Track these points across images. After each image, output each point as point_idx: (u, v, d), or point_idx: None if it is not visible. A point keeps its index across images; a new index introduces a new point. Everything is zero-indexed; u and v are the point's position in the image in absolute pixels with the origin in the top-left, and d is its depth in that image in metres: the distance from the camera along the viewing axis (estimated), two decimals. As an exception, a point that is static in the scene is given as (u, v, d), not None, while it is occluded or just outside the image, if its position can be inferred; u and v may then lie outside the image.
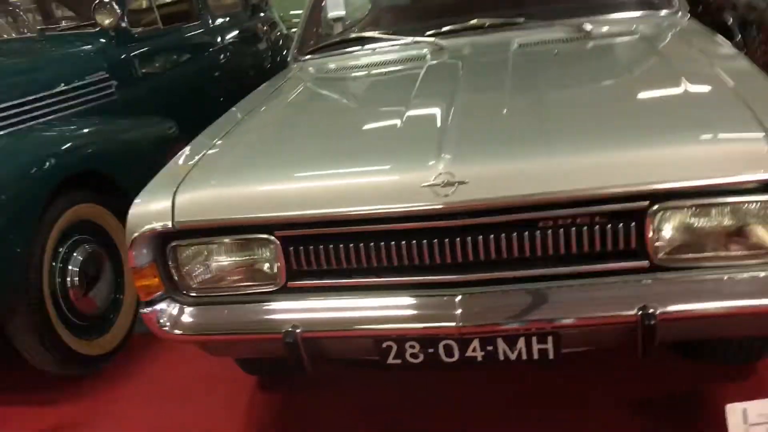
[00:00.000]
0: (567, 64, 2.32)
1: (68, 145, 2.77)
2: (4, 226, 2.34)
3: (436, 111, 1.93)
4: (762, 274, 1.57)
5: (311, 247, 1.74)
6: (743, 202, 1.54)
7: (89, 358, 2.72)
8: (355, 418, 2.33)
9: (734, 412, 1.71)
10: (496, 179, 1.61)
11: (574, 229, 1.61)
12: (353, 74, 2.68)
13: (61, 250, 2.61)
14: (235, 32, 4.43)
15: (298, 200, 1.72)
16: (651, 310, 1.56)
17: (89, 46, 3.32)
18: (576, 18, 2.55)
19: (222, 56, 4.18)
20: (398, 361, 1.76)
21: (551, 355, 1.70)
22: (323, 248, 1.73)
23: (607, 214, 1.59)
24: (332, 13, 3.01)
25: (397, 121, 1.93)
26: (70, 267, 2.63)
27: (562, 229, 1.61)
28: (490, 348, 1.70)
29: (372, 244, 1.70)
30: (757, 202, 1.54)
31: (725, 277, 1.58)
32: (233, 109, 2.44)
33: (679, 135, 1.61)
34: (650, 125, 1.68)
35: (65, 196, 2.62)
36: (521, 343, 1.69)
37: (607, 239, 1.61)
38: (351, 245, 1.71)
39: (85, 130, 2.94)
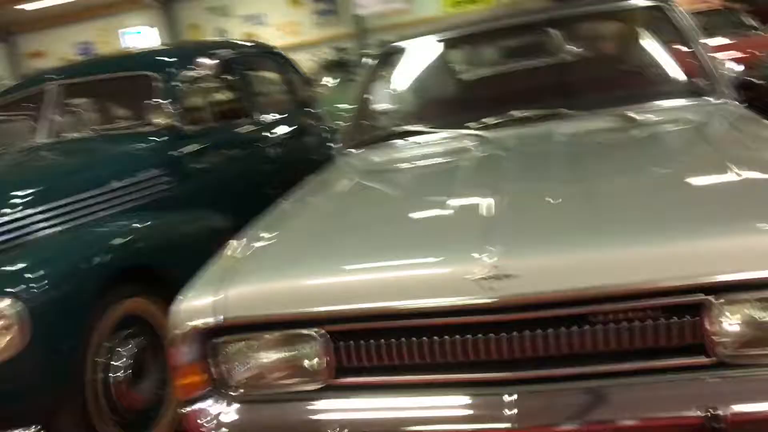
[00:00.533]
0: (613, 153, 2.30)
1: (120, 240, 2.83)
2: (57, 321, 2.37)
3: (481, 202, 1.91)
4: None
5: (360, 342, 1.70)
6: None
7: (135, 455, 2.68)
8: None
9: None
10: (544, 272, 1.57)
11: (629, 323, 1.55)
12: (398, 166, 2.70)
13: (107, 344, 2.62)
14: (284, 127, 4.55)
15: (345, 294, 1.70)
16: (718, 411, 1.47)
17: (143, 145, 3.45)
18: (620, 107, 2.55)
19: (271, 150, 4.28)
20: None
21: (612, 458, 1.60)
22: (372, 343, 1.69)
23: (663, 308, 1.53)
24: (377, 106, 3.09)
25: (442, 213, 1.93)
26: (114, 363, 2.64)
27: (616, 324, 1.55)
28: (546, 449, 1.62)
29: (421, 339, 1.66)
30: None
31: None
32: (280, 201, 2.47)
33: (734, 225, 1.56)
34: (703, 215, 1.64)
35: (114, 291, 2.66)
36: (579, 445, 1.60)
37: (663, 334, 1.54)
38: (399, 340, 1.67)
39: (137, 226, 3.01)
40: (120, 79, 3.86)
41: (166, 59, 3.90)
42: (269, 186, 3.82)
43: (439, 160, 2.60)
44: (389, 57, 3.36)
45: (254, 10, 16.22)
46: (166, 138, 3.46)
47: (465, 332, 1.62)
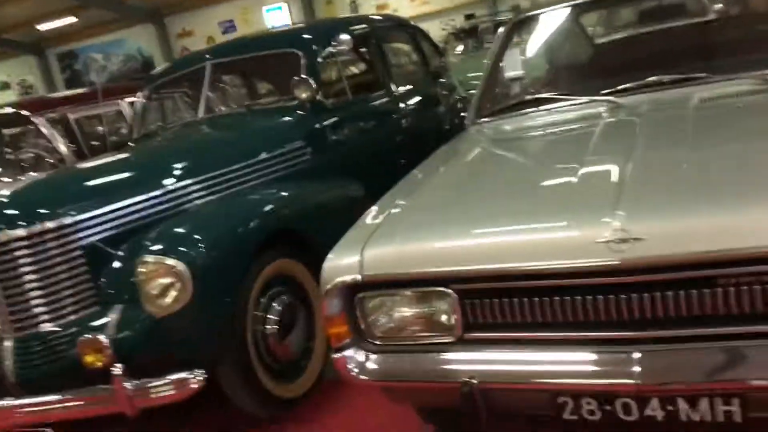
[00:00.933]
0: (753, 117, 2.25)
1: (269, 207, 3.10)
2: (217, 278, 2.66)
3: (612, 167, 1.96)
4: None
5: (487, 300, 1.83)
6: None
7: (284, 400, 2.96)
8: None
9: None
10: (673, 235, 1.61)
11: (758, 287, 1.56)
12: (529, 134, 2.77)
13: (262, 300, 2.90)
14: (417, 98, 4.69)
15: (474, 255, 1.83)
16: None
17: (289, 118, 3.70)
18: (762, 70, 2.46)
19: (405, 121, 4.44)
20: (574, 417, 1.78)
21: (738, 419, 1.63)
22: (498, 302, 1.82)
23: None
24: (510, 74, 3.14)
25: (572, 178, 1.98)
26: (269, 316, 2.92)
27: (744, 287, 1.58)
28: (670, 408, 1.68)
29: (547, 299, 1.76)
30: None
31: None
32: (414, 171, 2.62)
33: None
34: None
35: (267, 253, 2.92)
36: (704, 404, 1.64)
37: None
38: (526, 300, 1.78)
39: (284, 194, 3.27)
40: (268, 57, 4.12)
41: (310, 37, 4.11)
42: (403, 156, 3.98)
43: (571, 126, 2.63)
44: (522, 24, 3.40)
45: (387, -19, 16.44)
46: (309, 112, 3.69)
47: (592, 293, 1.70)
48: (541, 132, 2.73)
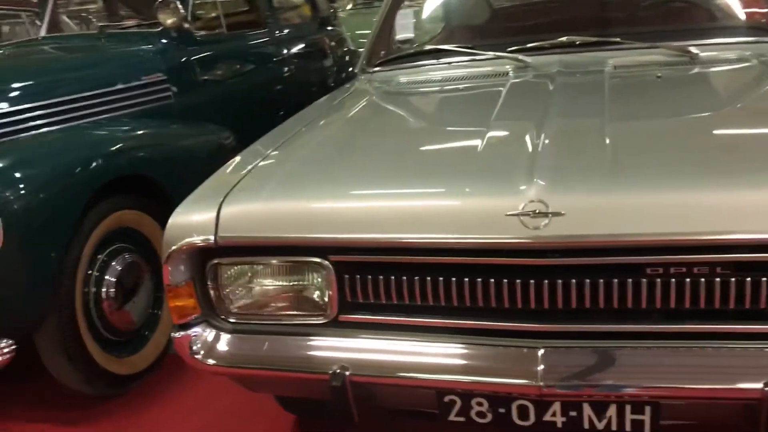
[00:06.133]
0: (673, 89, 2.04)
1: (116, 146, 2.59)
2: (39, 227, 2.16)
3: (525, 133, 1.67)
4: None
5: (369, 276, 1.50)
6: None
7: (118, 377, 2.52)
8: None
9: None
10: (598, 213, 1.35)
11: (689, 280, 1.33)
12: (425, 89, 2.45)
13: (99, 257, 2.43)
14: (302, 44, 4.27)
15: (358, 222, 1.49)
16: (782, 387, 1.26)
17: (149, 46, 3.19)
18: (682, 41, 2.27)
19: (286, 67, 4.01)
20: (461, 419, 1.51)
21: (647, 429, 1.42)
22: (383, 280, 1.49)
23: (733, 264, 1.31)
24: (401, 36, 2.81)
25: (477, 142, 1.68)
26: (106, 277, 2.45)
27: (674, 279, 1.34)
28: (573, 414, 1.44)
29: (441, 278, 1.45)
30: None
31: None
32: (292, 119, 2.24)
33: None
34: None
35: (109, 200, 2.45)
36: (612, 411, 1.42)
37: (729, 295, 1.32)
38: (416, 278, 1.47)
39: (137, 132, 2.79)
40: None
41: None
42: (281, 106, 3.58)
43: (475, 84, 2.35)
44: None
45: None
46: (174, 41, 3.20)
47: (495, 275, 1.41)
48: (439, 87, 2.42)
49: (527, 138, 1.63)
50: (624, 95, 1.97)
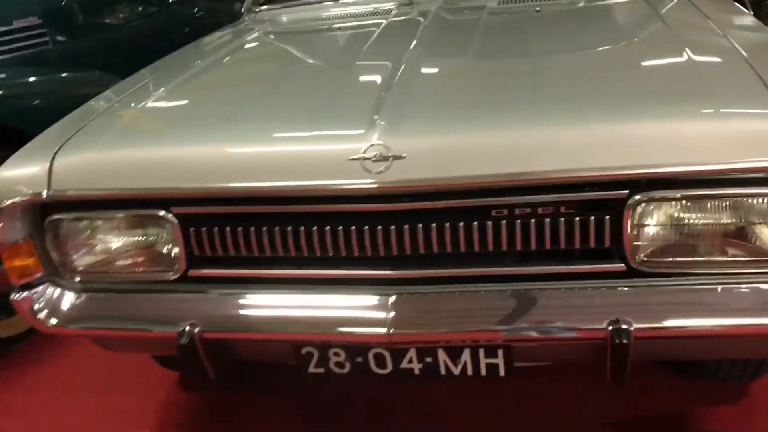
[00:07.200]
0: (548, 25, 1.98)
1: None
2: None
3: (380, 74, 1.59)
4: (764, 286, 1.26)
5: (216, 229, 1.43)
6: (746, 196, 1.23)
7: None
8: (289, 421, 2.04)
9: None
10: (440, 155, 1.29)
11: (534, 220, 1.30)
12: (305, 28, 2.34)
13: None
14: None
15: (198, 170, 1.40)
16: (624, 326, 1.26)
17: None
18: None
19: (178, 9, 3.79)
20: (321, 370, 1.48)
21: (502, 372, 1.41)
22: (230, 232, 1.42)
23: (578, 203, 1.28)
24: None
25: (334, 83, 1.61)
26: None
27: (519, 221, 1.30)
28: (429, 360, 1.42)
29: (290, 228, 1.39)
30: (763, 196, 1.22)
31: (719, 289, 1.27)
32: (153, 65, 2.10)
33: (671, 109, 1.29)
34: (637, 97, 1.35)
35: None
36: (466, 355, 1.40)
37: (575, 235, 1.30)
38: (264, 228, 1.40)
39: (4, 81, 2.59)
40: None
41: None
42: (175, 47, 3.37)
43: (356, 23, 2.24)
44: None
45: None
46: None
47: (342, 222, 1.36)
48: (321, 26, 2.31)
49: (380, 79, 1.55)
50: (496, 33, 1.90)
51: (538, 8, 2.04)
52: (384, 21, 2.11)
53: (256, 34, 2.32)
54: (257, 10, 2.57)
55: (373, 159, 1.28)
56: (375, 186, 1.28)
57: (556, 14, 2.04)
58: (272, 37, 2.31)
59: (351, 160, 1.29)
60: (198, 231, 1.43)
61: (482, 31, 1.88)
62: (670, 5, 2.02)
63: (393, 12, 2.21)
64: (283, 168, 1.35)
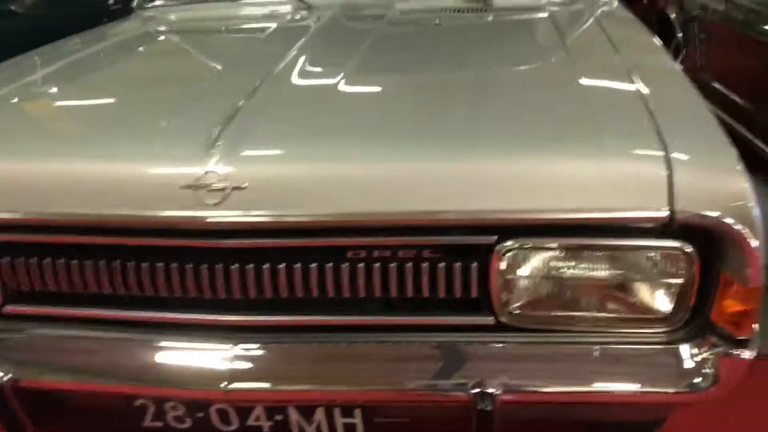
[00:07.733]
0: (443, 40, 1.82)
1: None
2: None
3: (244, 83, 1.40)
4: (645, 347, 1.12)
5: (34, 260, 1.22)
6: (626, 249, 1.08)
7: None
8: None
9: None
10: (287, 186, 1.11)
11: (395, 265, 1.13)
12: (187, 28, 2.13)
13: None
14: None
15: (8, 192, 1.18)
16: (489, 389, 1.10)
17: None
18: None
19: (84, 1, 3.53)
20: (159, 424, 1.29)
21: (360, 430, 1.23)
22: (51, 264, 1.21)
23: (442, 247, 1.11)
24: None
25: (191, 92, 1.42)
26: None
27: (379, 264, 1.13)
28: (279, 418, 1.24)
29: (117, 263, 1.19)
30: (644, 248, 1.08)
31: (595, 350, 1.12)
32: (15, 58, 1.86)
33: (550, 147, 1.14)
34: (515, 133, 1.19)
35: None
36: (320, 415, 1.22)
37: (439, 283, 1.13)
38: (89, 263, 1.20)
39: None
40: None
41: None
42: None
43: (244, 26, 2.06)
44: None
45: None
46: None
47: (176, 259, 1.17)
48: (206, 27, 2.13)
49: (239, 92, 1.36)
50: (384, 45, 1.73)
51: (437, 21, 1.89)
52: (273, 25, 1.92)
53: (135, 33, 2.10)
54: (148, 6, 2.35)
55: (208, 189, 1.09)
56: (207, 220, 1.09)
57: (455, 29, 1.89)
58: (151, 36, 2.09)
59: (183, 188, 1.10)
60: (12, 262, 1.22)
61: (370, 43, 1.71)
62: (578, 31, 1.89)
63: (287, 17, 2.02)
64: (105, 193, 1.15)
